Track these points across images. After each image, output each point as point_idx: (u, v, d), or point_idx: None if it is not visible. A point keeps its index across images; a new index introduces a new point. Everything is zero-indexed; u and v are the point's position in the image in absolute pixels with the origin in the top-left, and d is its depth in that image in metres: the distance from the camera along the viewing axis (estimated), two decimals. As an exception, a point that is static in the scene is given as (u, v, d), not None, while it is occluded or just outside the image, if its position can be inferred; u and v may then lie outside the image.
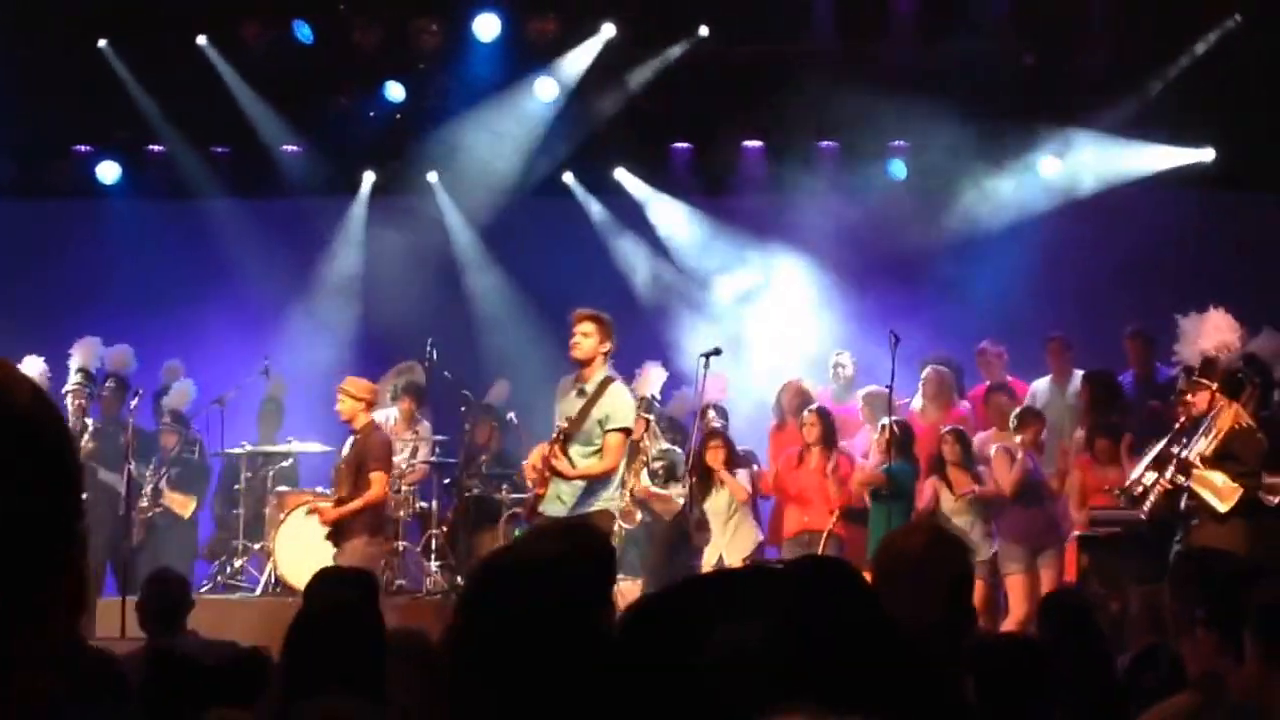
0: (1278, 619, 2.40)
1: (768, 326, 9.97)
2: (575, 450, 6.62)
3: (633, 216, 11.11)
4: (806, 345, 9.73)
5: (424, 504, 9.51)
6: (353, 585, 4.17)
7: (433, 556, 9.17)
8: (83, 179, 11.36)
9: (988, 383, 9.00)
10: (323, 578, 4.28)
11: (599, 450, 6.62)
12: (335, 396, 7.77)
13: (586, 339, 6.66)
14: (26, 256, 11.06)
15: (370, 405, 7.63)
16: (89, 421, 9.28)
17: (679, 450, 8.66)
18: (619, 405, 6.68)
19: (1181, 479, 6.54)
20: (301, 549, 7.89)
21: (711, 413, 8.94)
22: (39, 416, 0.95)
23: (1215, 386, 6.69)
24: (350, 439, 7.77)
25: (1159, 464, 6.74)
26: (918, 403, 8.87)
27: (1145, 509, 6.66)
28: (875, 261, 9.99)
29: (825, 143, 10.65)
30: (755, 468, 8.68)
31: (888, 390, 8.12)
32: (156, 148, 11.27)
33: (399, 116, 11.09)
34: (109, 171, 11.33)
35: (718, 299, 10.40)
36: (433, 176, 11.27)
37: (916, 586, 2.38)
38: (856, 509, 8.34)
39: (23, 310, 10.34)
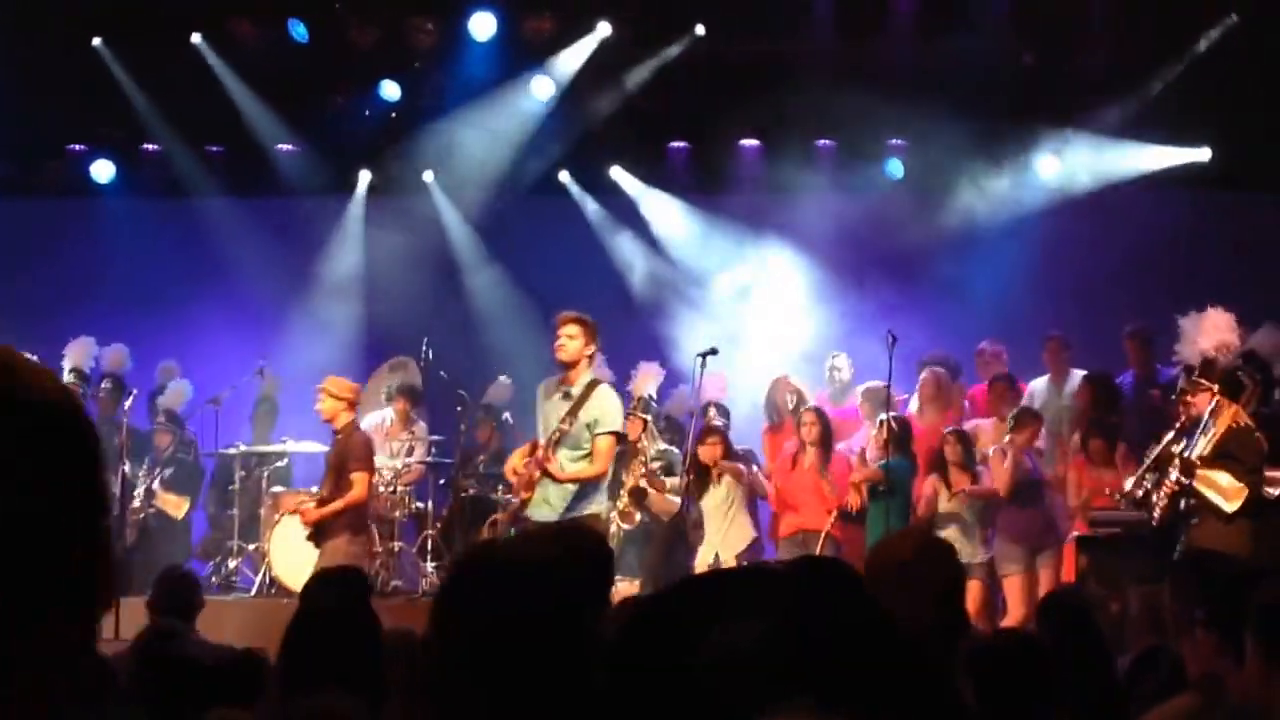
0: (1278, 619, 2.39)
1: (765, 325, 9.97)
2: (563, 454, 6.58)
3: (630, 215, 11.12)
4: (803, 344, 9.73)
5: (420, 504, 9.51)
6: (348, 585, 4.17)
7: (428, 557, 9.17)
8: (77, 178, 11.36)
9: (987, 382, 9.01)
10: (319, 579, 4.29)
11: (587, 454, 6.59)
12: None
13: (572, 341, 6.64)
14: (21, 256, 11.04)
15: (351, 405, 7.60)
16: (83, 421, 9.27)
17: (676, 450, 8.66)
18: (608, 408, 6.66)
19: (1185, 479, 6.54)
20: (296, 550, 7.88)
21: (713, 411, 8.95)
22: (65, 410, 0.94)
23: (1216, 388, 6.69)
24: (332, 439, 7.78)
25: (1159, 465, 6.74)
26: (914, 405, 8.87)
27: (1155, 514, 6.65)
28: (873, 261, 10.00)
29: (823, 142, 10.66)
30: (755, 468, 8.68)
31: (886, 386, 8.13)
32: (151, 147, 11.26)
33: (394, 115, 11.09)
34: (103, 170, 11.32)
35: (714, 298, 10.41)
36: (429, 176, 11.27)
37: (906, 591, 2.39)
38: (856, 512, 8.35)
39: (17, 309, 10.32)
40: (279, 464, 9.70)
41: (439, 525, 9.28)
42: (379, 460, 9.57)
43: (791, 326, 9.92)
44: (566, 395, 6.65)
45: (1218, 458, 6.52)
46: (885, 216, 10.17)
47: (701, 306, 10.34)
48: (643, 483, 8.58)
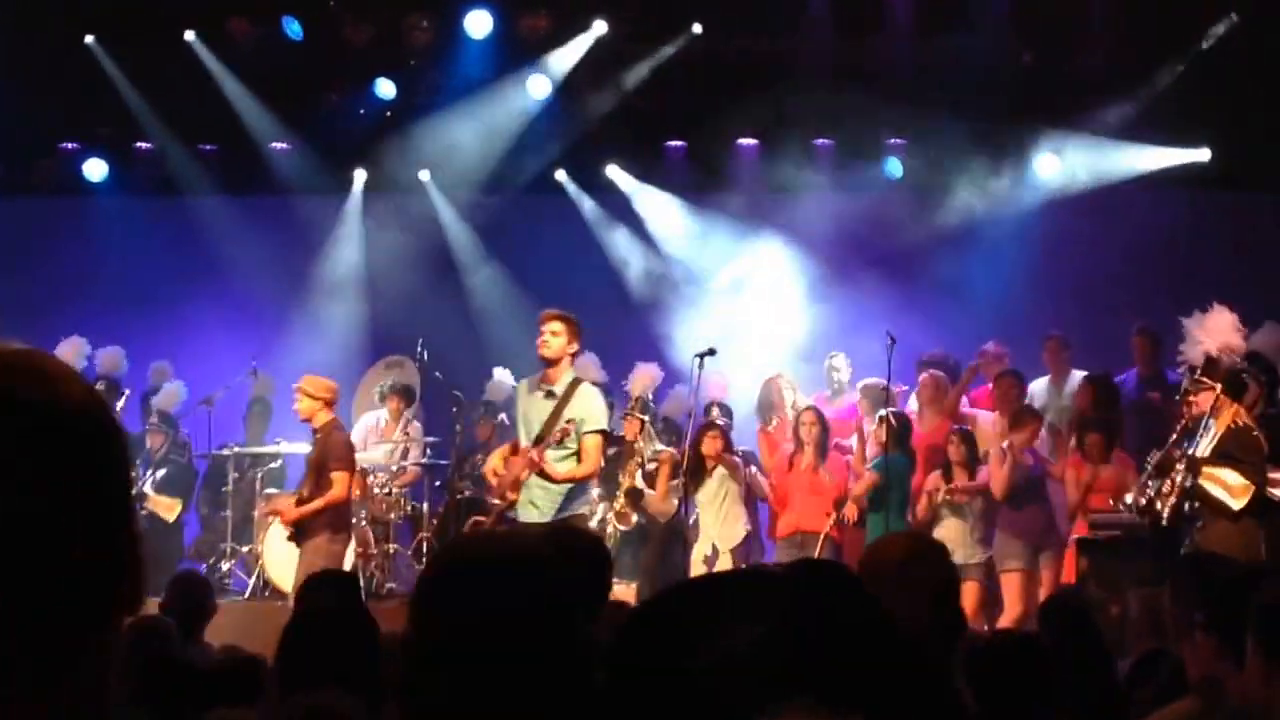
0: (1279, 620, 2.40)
1: (763, 325, 9.98)
2: (549, 454, 6.55)
3: (626, 214, 11.13)
4: (801, 344, 9.75)
5: (415, 506, 9.50)
6: (342, 586, 4.18)
7: (424, 559, 9.17)
8: (69, 176, 11.34)
9: (990, 384, 9.04)
10: (313, 581, 4.30)
11: (572, 454, 6.56)
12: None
13: (556, 338, 6.62)
14: (12, 255, 11.03)
15: (328, 404, 7.58)
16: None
17: (674, 451, 8.67)
18: (593, 407, 6.65)
19: (1191, 478, 6.54)
20: (290, 552, 7.88)
21: (716, 410, 8.98)
22: (92, 413, 0.94)
23: (1219, 387, 6.70)
24: (311, 438, 7.79)
25: (1162, 471, 6.75)
26: (913, 405, 8.89)
27: (1165, 515, 6.65)
28: (872, 260, 10.01)
29: (821, 141, 10.67)
30: (754, 469, 8.69)
31: (885, 385, 8.14)
32: (144, 145, 11.25)
33: (389, 114, 11.08)
34: (96, 169, 11.31)
35: (712, 297, 10.42)
36: (425, 174, 11.27)
37: (902, 592, 2.40)
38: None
39: (8, 309, 10.29)
40: (272, 465, 9.69)
41: (434, 527, 9.28)
42: (374, 460, 9.60)
43: (789, 326, 9.94)
44: (549, 394, 6.63)
45: (1218, 458, 6.53)
46: (884, 216, 10.18)
47: (699, 306, 10.35)
48: (639, 483, 8.59)
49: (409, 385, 10.03)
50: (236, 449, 9.76)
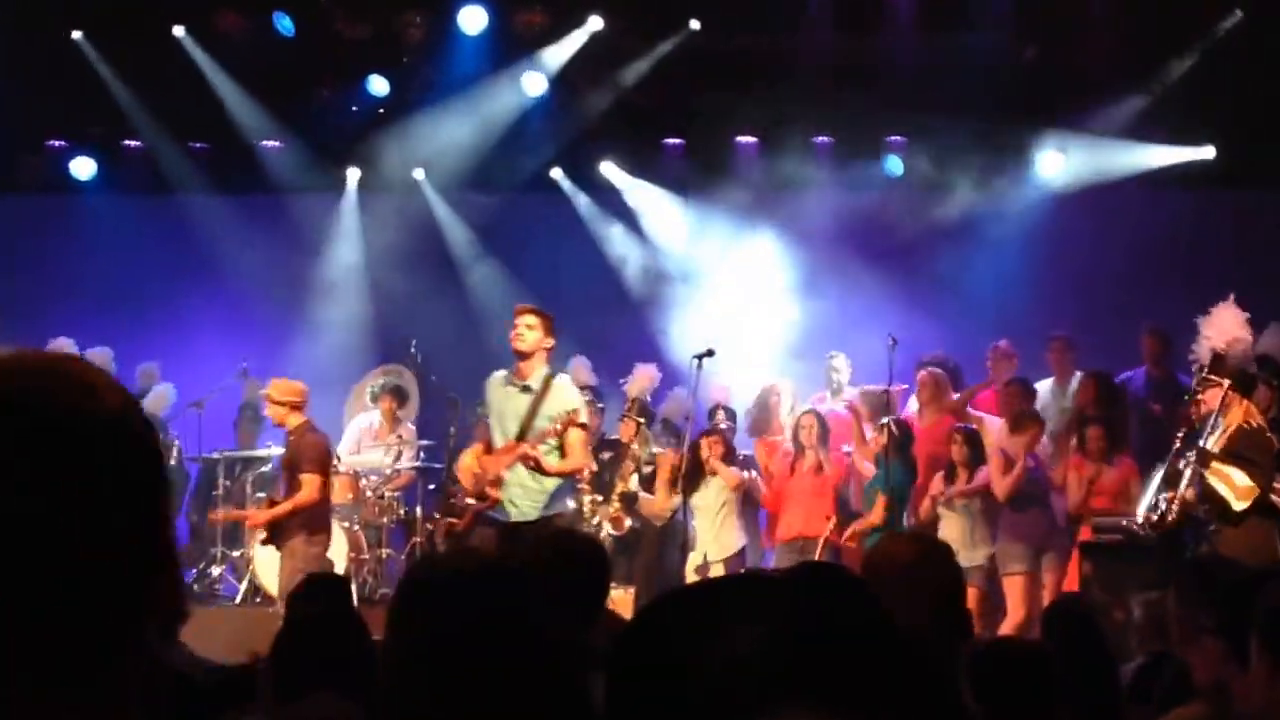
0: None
1: (762, 323, 10.00)
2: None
3: (623, 212, 11.14)
4: (801, 344, 9.76)
5: (408, 510, 9.50)
6: (334, 591, 4.19)
7: (417, 564, 9.16)
8: (57, 174, 11.33)
9: (994, 386, 9.05)
10: (306, 586, 4.31)
11: (553, 450, 6.57)
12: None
13: (530, 331, 6.63)
14: (-2, 254, 11.04)
15: (297, 407, 7.60)
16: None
17: (669, 453, 8.67)
18: (571, 401, 6.67)
19: (1200, 469, 6.55)
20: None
21: (721, 414, 8.99)
22: (126, 420, 0.95)
23: (1227, 383, 6.71)
24: (285, 441, 7.82)
25: (1170, 483, 6.76)
26: (913, 405, 8.91)
27: (1173, 512, 6.66)
28: (872, 259, 10.02)
29: (821, 138, 10.68)
30: (754, 473, 8.70)
31: (885, 390, 8.16)
32: (133, 142, 11.25)
33: (382, 111, 11.08)
34: (84, 167, 11.30)
35: (710, 295, 10.42)
36: (419, 173, 11.27)
37: (907, 594, 2.41)
38: (853, 513, 8.38)
39: (-6, 310, 10.31)
40: (263, 469, 9.68)
41: (451, 527, 9.25)
42: (367, 464, 9.60)
43: (788, 324, 9.95)
44: (525, 389, 6.64)
45: (1231, 457, 6.53)
46: (884, 214, 10.20)
47: (697, 304, 10.36)
48: (635, 487, 8.60)
49: (401, 386, 10.03)
50: (227, 454, 9.75)
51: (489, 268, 11.12)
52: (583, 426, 6.69)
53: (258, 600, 8.58)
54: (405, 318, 10.48)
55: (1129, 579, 6.57)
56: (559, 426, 6.51)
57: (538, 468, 6.52)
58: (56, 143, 11.39)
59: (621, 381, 9.48)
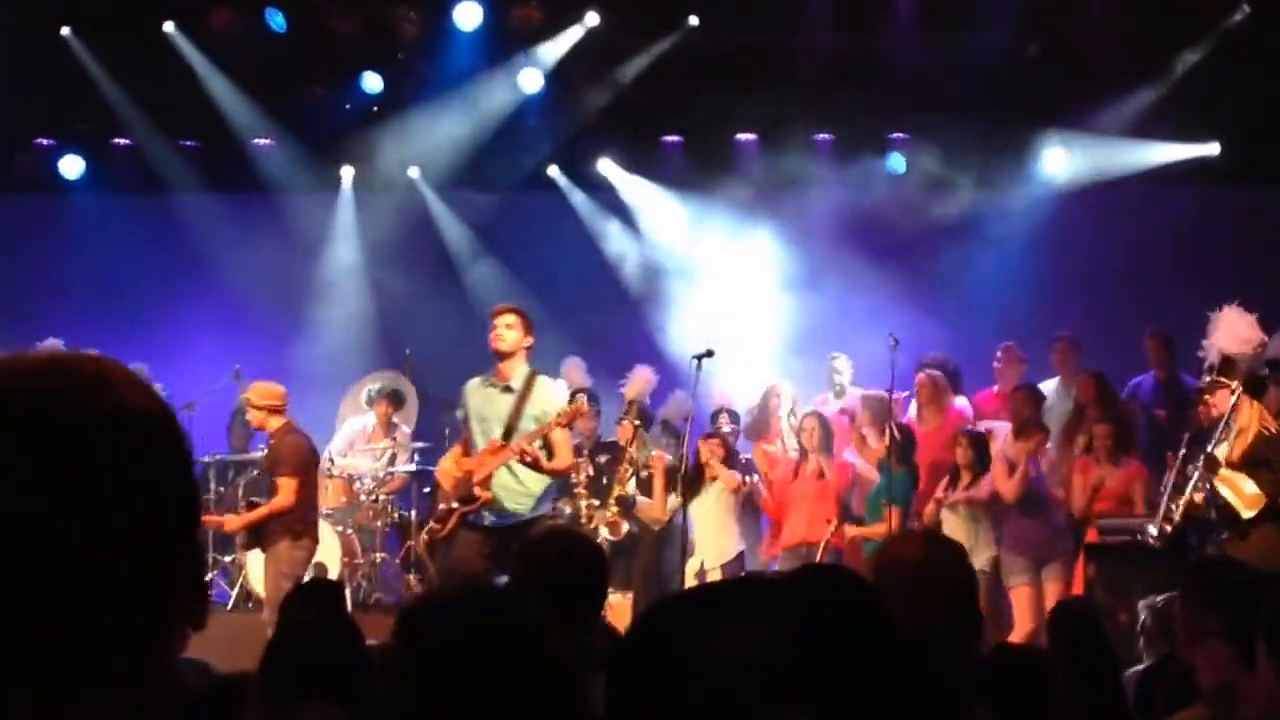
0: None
1: (762, 321, 10.01)
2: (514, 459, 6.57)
3: (622, 210, 11.14)
4: (802, 344, 9.77)
5: (403, 513, 9.50)
6: (327, 597, 4.19)
7: (411, 568, 9.16)
8: (45, 173, 11.32)
9: (995, 387, 9.06)
10: (298, 592, 4.32)
11: (540, 449, 6.58)
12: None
13: (510, 331, 6.65)
14: (-15, 254, 11.03)
15: (276, 410, 7.63)
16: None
17: (669, 458, 8.67)
18: (555, 400, 6.69)
19: (1209, 475, 6.56)
20: (272, 562, 7.90)
21: (724, 416, 9.00)
22: (151, 420, 0.95)
23: (1236, 386, 6.72)
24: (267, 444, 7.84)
25: (1180, 490, 6.76)
26: (913, 409, 8.92)
27: (1178, 514, 6.67)
28: (874, 258, 10.03)
29: (822, 136, 10.68)
30: (754, 478, 8.70)
31: (887, 394, 8.17)
32: (122, 140, 11.23)
33: (376, 108, 11.08)
34: (72, 165, 11.29)
35: (710, 294, 10.43)
36: (414, 171, 11.27)
37: (917, 594, 2.41)
38: (855, 517, 8.39)
39: (-19, 310, 10.31)
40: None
41: (433, 532, 9.26)
42: (360, 467, 9.60)
43: (789, 324, 9.96)
44: (506, 389, 6.65)
45: (1250, 464, 6.53)
46: (886, 213, 10.20)
47: (696, 302, 10.36)
48: (632, 490, 8.60)
49: (397, 390, 10.03)
50: (219, 457, 9.75)
51: (486, 266, 11.12)
52: (569, 424, 6.67)
53: (249, 606, 8.58)
54: (402, 318, 10.47)
55: (1134, 581, 6.59)
56: (540, 433, 6.50)
57: (535, 465, 6.52)
58: (44, 141, 11.37)
59: (619, 384, 9.48)
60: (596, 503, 8.66)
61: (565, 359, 9.64)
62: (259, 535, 7.54)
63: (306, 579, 7.18)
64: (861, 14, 10.32)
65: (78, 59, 10.78)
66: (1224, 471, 6.54)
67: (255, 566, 8.43)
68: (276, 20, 10.65)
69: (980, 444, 8.07)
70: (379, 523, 9.30)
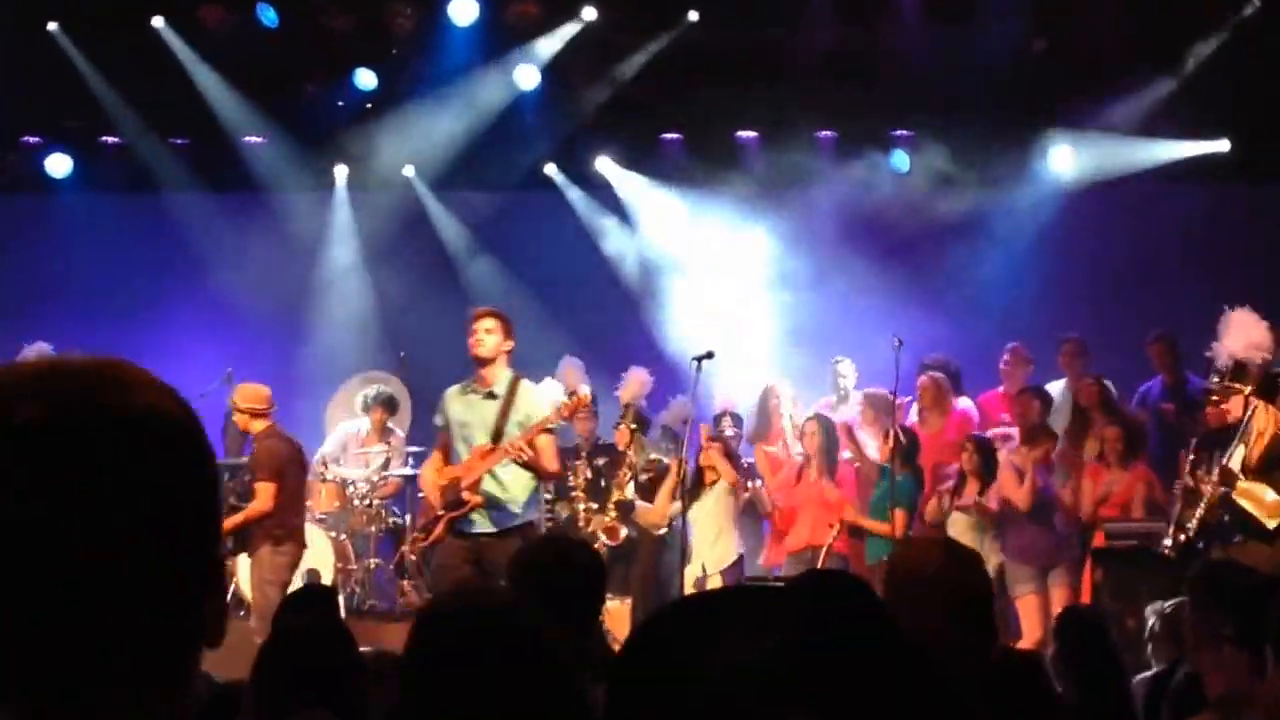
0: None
1: (762, 321, 10.01)
2: (500, 464, 6.56)
3: (620, 207, 11.15)
4: (803, 341, 9.78)
5: (396, 519, 9.49)
6: (320, 603, 4.20)
7: (405, 574, 9.16)
8: (32, 172, 11.32)
9: (1001, 388, 9.07)
10: (293, 597, 4.32)
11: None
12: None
13: (490, 335, 6.63)
14: (-28, 255, 11.03)
15: (260, 413, 7.63)
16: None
17: (665, 461, 8.68)
18: (538, 405, 6.69)
19: (1225, 489, 6.55)
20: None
21: (728, 419, 9.00)
22: (175, 424, 0.96)
23: (1249, 390, 6.71)
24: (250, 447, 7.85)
25: (1190, 500, 6.75)
26: (914, 413, 8.93)
27: (1193, 527, 6.66)
28: (877, 258, 10.04)
29: (824, 133, 10.69)
30: (757, 483, 8.71)
31: (891, 394, 8.18)
32: (111, 138, 11.24)
33: (370, 106, 11.09)
34: (60, 164, 11.28)
35: (709, 293, 10.43)
36: (409, 169, 11.28)
37: (930, 601, 2.41)
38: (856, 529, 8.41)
39: (-32, 312, 10.31)
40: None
41: (416, 541, 9.27)
42: (356, 473, 9.61)
43: (790, 322, 9.97)
44: (490, 396, 6.63)
45: (1268, 467, 6.51)
46: (890, 211, 10.21)
47: (696, 301, 10.37)
48: (630, 495, 8.61)
49: (393, 396, 10.03)
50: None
51: (483, 266, 11.13)
52: (550, 431, 6.68)
53: (241, 614, 8.58)
54: (397, 317, 10.47)
55: (1142, 585, 6.59)
56: (526, 440, 6.49)
57: (530, 464, 6.53)
58: (31, 139, 11.38)
59: (615, 389, 9.47)
60: (595, 506, 8.66)
61: (563, 359, 9.65)
62: (243, 541, 7.55)
63: (300, 585, 7.18)
64: (863, 9, 10.33)
65: (65, 55, 10.77)
66: (1241, 484, 6.51)
67: (245, 572, 8.43)
68: (268, 15, 10.65)
69: (987, 451, 8.08)
70: (372, 528, 9.30)
